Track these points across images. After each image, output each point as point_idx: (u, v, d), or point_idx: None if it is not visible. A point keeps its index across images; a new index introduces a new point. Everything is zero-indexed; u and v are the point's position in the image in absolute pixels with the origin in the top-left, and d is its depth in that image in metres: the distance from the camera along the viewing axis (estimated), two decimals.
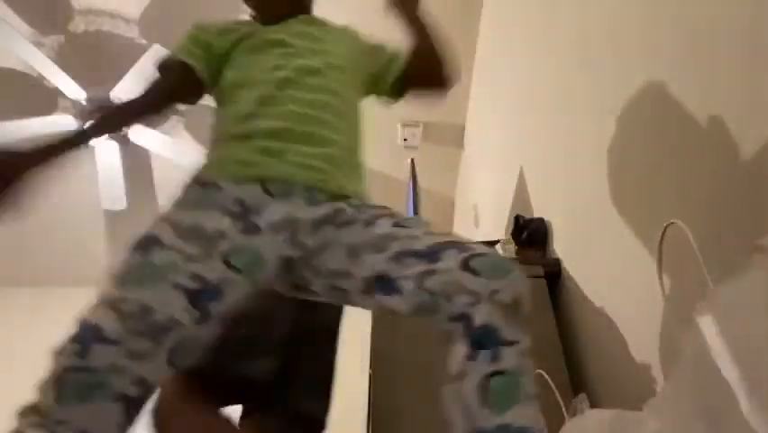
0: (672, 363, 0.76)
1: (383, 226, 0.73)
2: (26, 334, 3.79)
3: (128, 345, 0.60)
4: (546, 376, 1.12)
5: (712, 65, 0.94)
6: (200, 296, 0.65)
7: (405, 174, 3.06)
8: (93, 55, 2.87)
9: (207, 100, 1.01)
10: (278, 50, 0.95)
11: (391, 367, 1.30)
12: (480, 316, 0.63)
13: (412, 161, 2.90)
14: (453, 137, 3.28)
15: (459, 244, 0.69)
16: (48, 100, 2.99)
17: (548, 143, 1.86)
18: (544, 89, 1.92)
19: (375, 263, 0.70)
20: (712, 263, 0.81)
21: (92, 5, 2.71)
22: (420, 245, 0.69)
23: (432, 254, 0.67)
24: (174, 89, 0.96)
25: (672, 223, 0.94)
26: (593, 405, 0.96)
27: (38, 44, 2.72)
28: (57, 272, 3.99)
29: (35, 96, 2.96)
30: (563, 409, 1.07)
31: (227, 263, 0.69)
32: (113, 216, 3.49)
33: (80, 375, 0.58)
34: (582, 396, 0.98)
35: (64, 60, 2.70)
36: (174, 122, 3.18)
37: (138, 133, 2.87)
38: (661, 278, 0.95)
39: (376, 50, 1.09)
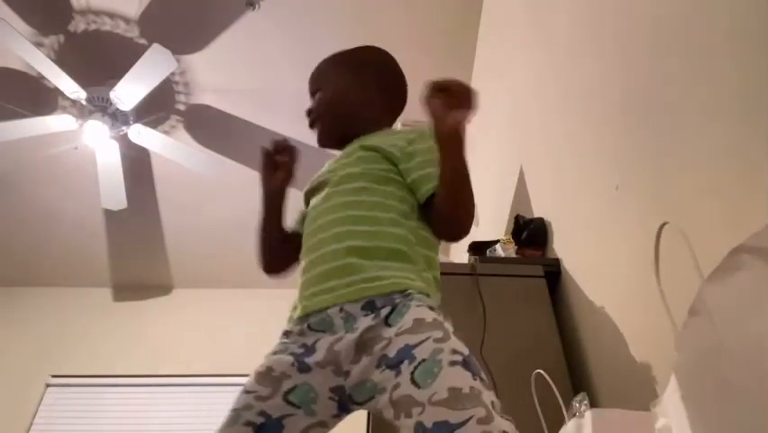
0: (672, 362, 0.76)
1: (404, 384, 0.74)
2: (27, 333, 3.79)
3: None
4: (546, 376, 1.12)
5: (711, 65, 0.94)
6: (263, 429, 0.78)
7: None
8: (93, 55, 2.87)
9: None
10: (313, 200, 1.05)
11: None
12: None
13: None
14: None
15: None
16: (48, 100, 3.00)
17: (548, 143, 1.86)
18: (544, 89, 1.92)
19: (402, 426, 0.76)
20: (707, 262, 0.81)
21: (92, 5, 2.71)
22: (428, 421, 0.71)
23: None
24: None
25: (666, 223, 0.94)
26: (593, 405, 0.96)
27: (38, 44, 2.72)
28: (57, 272, 3.99)
29: (35, 96, 2.96)
30: (563, 409, 1.07)
31: (287, 400, 0.80)
32: (113, 216, 3.49)
33: None
34: (582, 396, 0.98)
35: (64, 60, 2.70)
36: (174, 122, 3.18)
37: (138, 133, 2.87)
38: (658, 278, 0.96)
39: (409, 163, 1.02)
